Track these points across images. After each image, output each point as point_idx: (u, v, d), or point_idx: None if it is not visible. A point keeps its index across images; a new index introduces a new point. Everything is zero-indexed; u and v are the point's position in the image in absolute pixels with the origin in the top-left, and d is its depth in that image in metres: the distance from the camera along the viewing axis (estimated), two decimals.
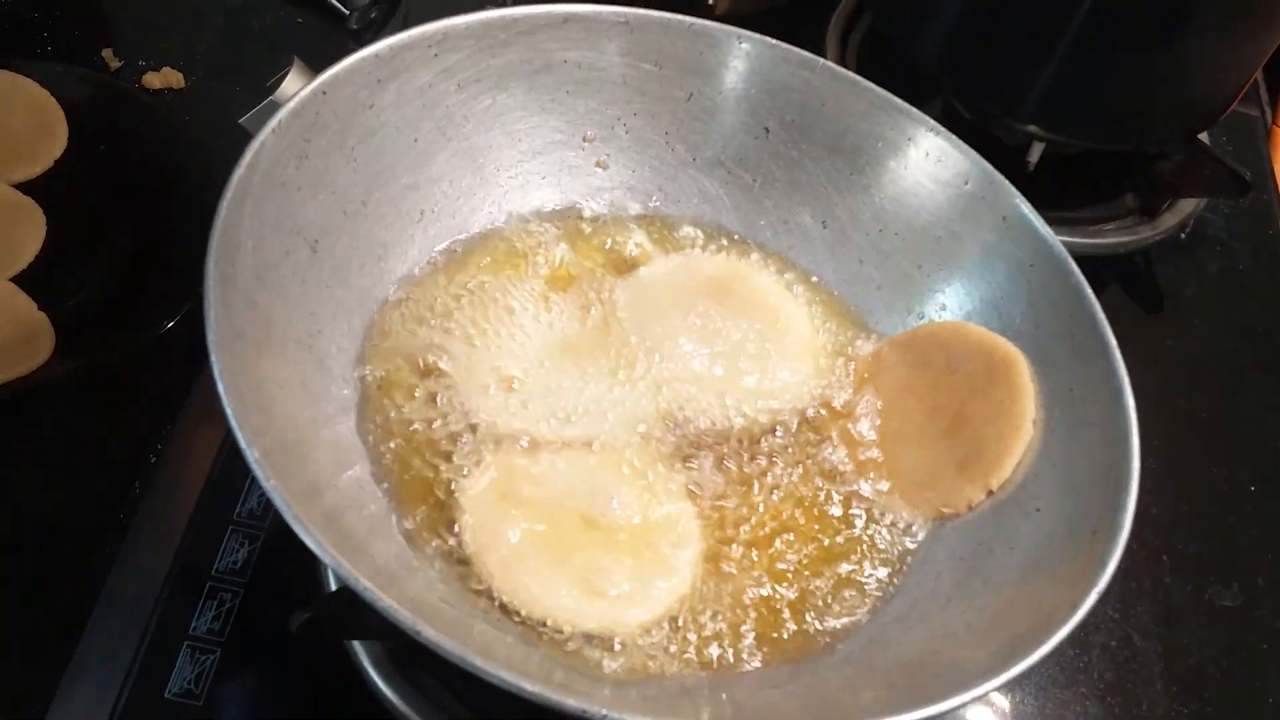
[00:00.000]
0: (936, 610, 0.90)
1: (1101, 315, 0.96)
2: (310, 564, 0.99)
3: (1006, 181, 1.05)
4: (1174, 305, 1.46)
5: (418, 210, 1.04)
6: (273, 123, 0.89)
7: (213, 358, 0.75)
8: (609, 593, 0.86)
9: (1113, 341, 0.94)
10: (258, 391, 0.81)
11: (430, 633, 0.67)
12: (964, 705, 0.72)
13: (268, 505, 1.05)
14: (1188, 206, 1.50)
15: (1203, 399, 1.36)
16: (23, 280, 1.16)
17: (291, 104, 0.91)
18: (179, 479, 1.09)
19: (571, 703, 0.67)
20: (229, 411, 0.73)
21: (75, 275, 1.23)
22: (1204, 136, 1.48)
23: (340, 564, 0.69)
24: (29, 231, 1.23)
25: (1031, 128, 1.35)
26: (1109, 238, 1.44)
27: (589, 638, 0.85)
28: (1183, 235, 1.50)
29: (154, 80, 1.49)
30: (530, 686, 0.67)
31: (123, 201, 1.29)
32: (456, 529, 0.88)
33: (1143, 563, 1.17)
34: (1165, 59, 1.29)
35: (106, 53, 1.51)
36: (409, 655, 0.96)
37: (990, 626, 0.84)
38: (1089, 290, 0.97)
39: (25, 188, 1.25)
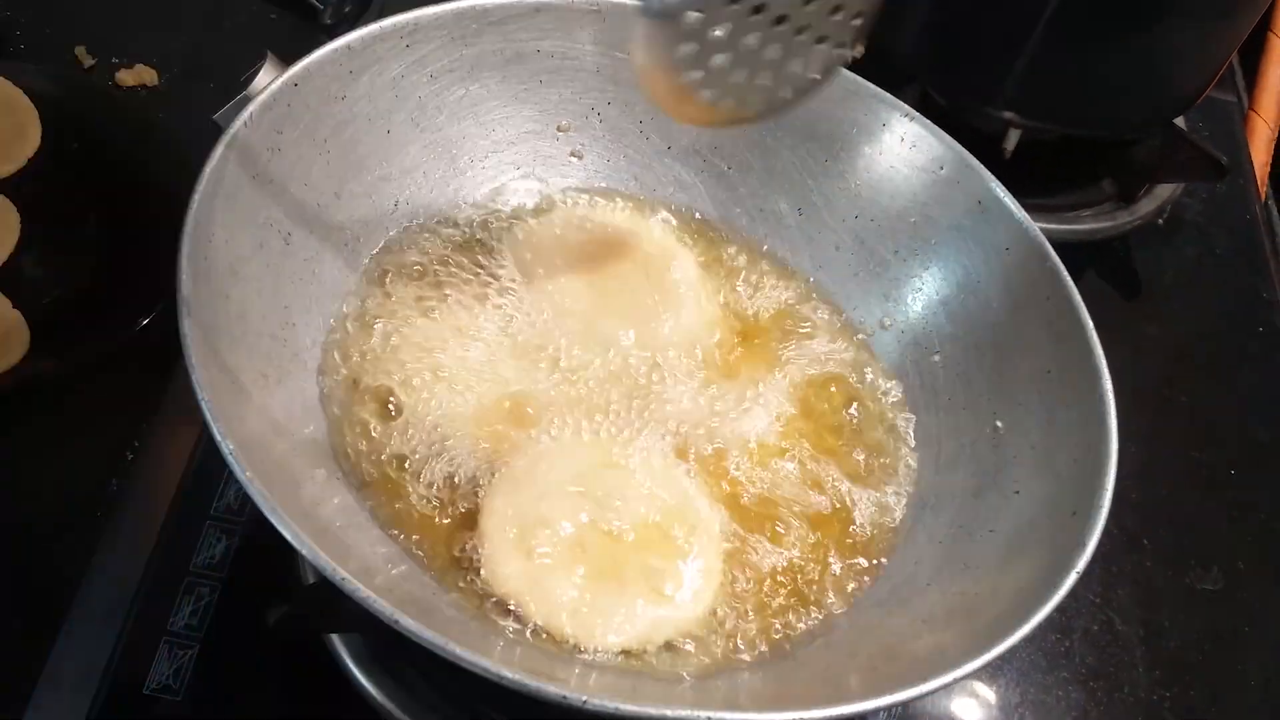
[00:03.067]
0: (916, 594, 0.90)
1: (1078, 296, 0.96)
2: (288, 558, 0.99)
3: (981, 166, 1.04)
4: (1152, 291, 1.46)
5: (391, 201, 1.03)
6: (244, 115, 0.89)
7: (187, 352, 0.75)
8: (667, 595, 0.87)
9: (1089, 322, 0.94)
10: (232, 385, 0.81)
11: (409, 622, 0.66)
12: (946, 686, 0.72)
13: (245, 500, 1.05)
14: (1165, 192, 1.50)
15: (1182, 384, 1.36)
16: None
17: (263, 96, 0.91)
18: (156, 475, 1.08)
19: (551, 689, 0.67)
20: (204, 405, 0.73)
21: (49, 273, 1.22)
22: (1180, 122, 1.48)
23: (317, 555, 0.68)
24: (2, 231, 1.22)
25: (1008, 114, 1.35)
26: (1087, 224, 1.43)
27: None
28: (1160, 221, 1.49)
29: (127, 77, 1.48)
30: (510, 674, 0.66)
31: (97, 199, 1.28)
32: (475, 556, 0.87)
33: (1123, 547, 1.17)
34: (1140, 44, 1.28)
35: (79, 50, 1.50)
36: (390, 649, 0.96)
37: (970, 609, 0.84)
38: (1065, 272, 0.97)
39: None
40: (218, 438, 0.72)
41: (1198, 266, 1.51)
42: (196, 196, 0.83)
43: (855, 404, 1.04)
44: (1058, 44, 1.29)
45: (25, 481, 1.09)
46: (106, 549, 1.04)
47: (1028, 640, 0.96)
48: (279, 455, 0.82)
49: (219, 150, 0.86)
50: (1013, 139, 1.39)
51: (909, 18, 1.38)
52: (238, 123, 0.88)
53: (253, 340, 0.88)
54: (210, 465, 1.07)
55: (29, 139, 1.32)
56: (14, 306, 1.15)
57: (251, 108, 0.89)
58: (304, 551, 0.68)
